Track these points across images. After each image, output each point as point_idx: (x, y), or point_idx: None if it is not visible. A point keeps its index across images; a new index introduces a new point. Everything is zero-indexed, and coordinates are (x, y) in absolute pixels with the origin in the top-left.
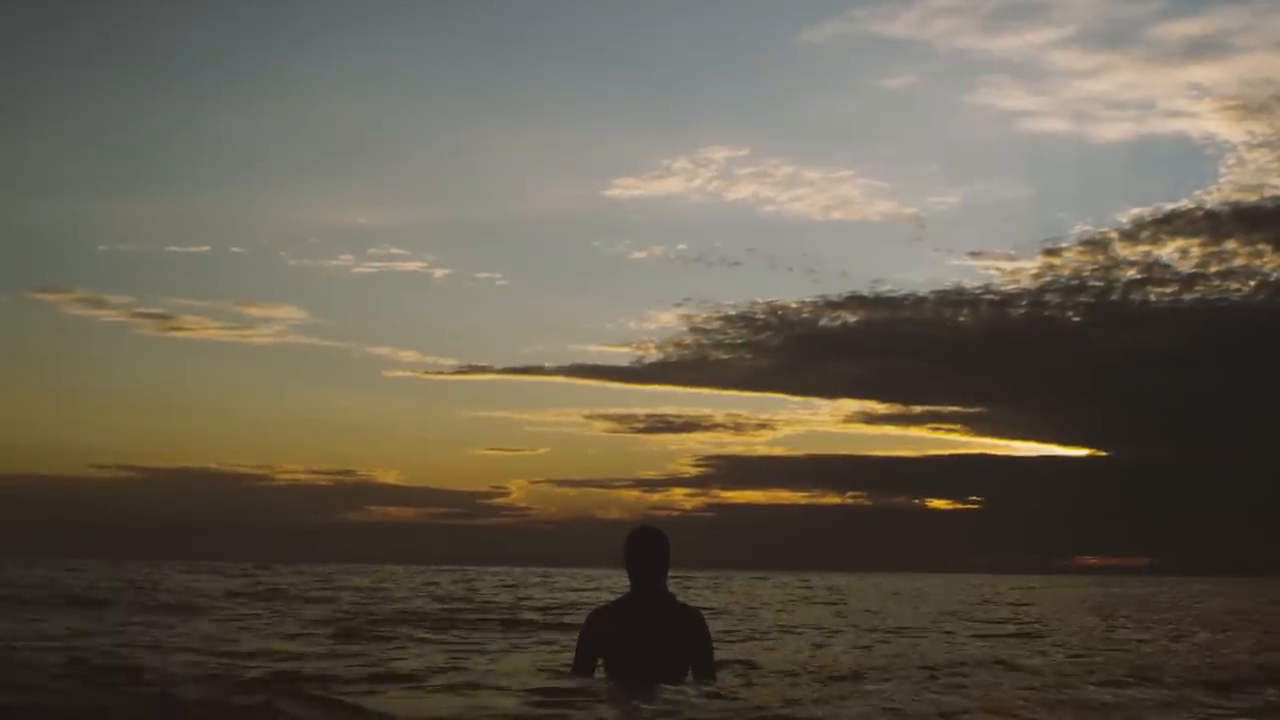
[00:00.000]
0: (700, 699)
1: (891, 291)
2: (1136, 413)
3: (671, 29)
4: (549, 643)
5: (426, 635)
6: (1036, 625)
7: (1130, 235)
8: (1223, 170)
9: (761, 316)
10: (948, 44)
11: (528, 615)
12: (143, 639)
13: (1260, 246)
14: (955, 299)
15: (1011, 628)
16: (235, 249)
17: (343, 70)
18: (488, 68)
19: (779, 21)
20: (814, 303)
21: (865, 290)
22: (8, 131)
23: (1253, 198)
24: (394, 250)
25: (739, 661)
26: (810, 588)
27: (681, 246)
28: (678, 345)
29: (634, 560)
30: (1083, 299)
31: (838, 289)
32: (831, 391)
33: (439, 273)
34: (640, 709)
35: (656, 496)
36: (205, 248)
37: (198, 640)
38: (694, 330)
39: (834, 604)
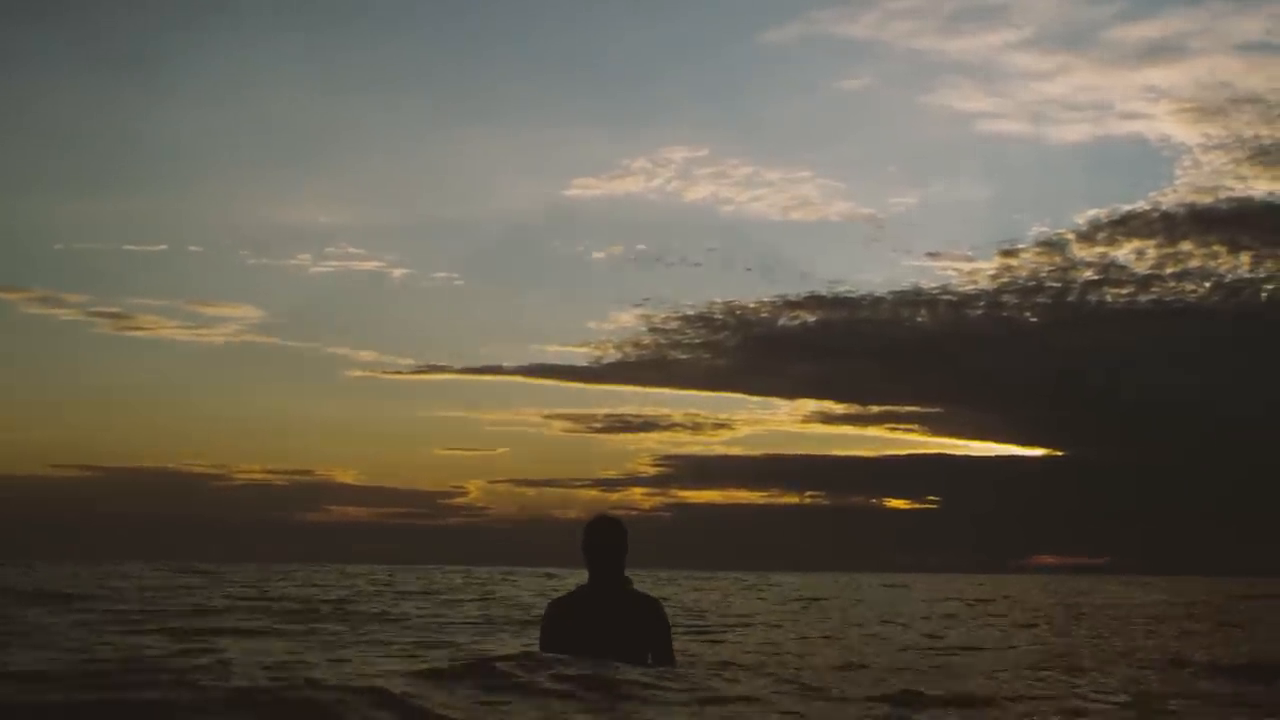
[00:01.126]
0: (665, 682)
1: (849, 292)
2: (1093, 413)
3: (630, 29)
4: None
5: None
6: (1008, 619)
7: (1087, 236)
8: (1178, 172)
9: (720, 316)
10: (906, 45)
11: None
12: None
13: (1215, 248)
14: (913, 299)
15: (981, 622)
16: (192, 247)
17: (300, 68)
18: (445, 67)
19: (738, 22)
20: (772, 303)
21: (823, 290)
22: None
23: (1208, 199)
24: (351, 249)
25: (715, 660)
26: (775, 586)
27: (640, 247)
28: (636, 345)
29: (593, 549)
30: (1040, 300)
31: (796, 289)
32: (789, 391)
33: (397, 272)
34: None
35: (615, 496)
36: (162, 246)
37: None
38: (652, 330)
39: (801, 601)
